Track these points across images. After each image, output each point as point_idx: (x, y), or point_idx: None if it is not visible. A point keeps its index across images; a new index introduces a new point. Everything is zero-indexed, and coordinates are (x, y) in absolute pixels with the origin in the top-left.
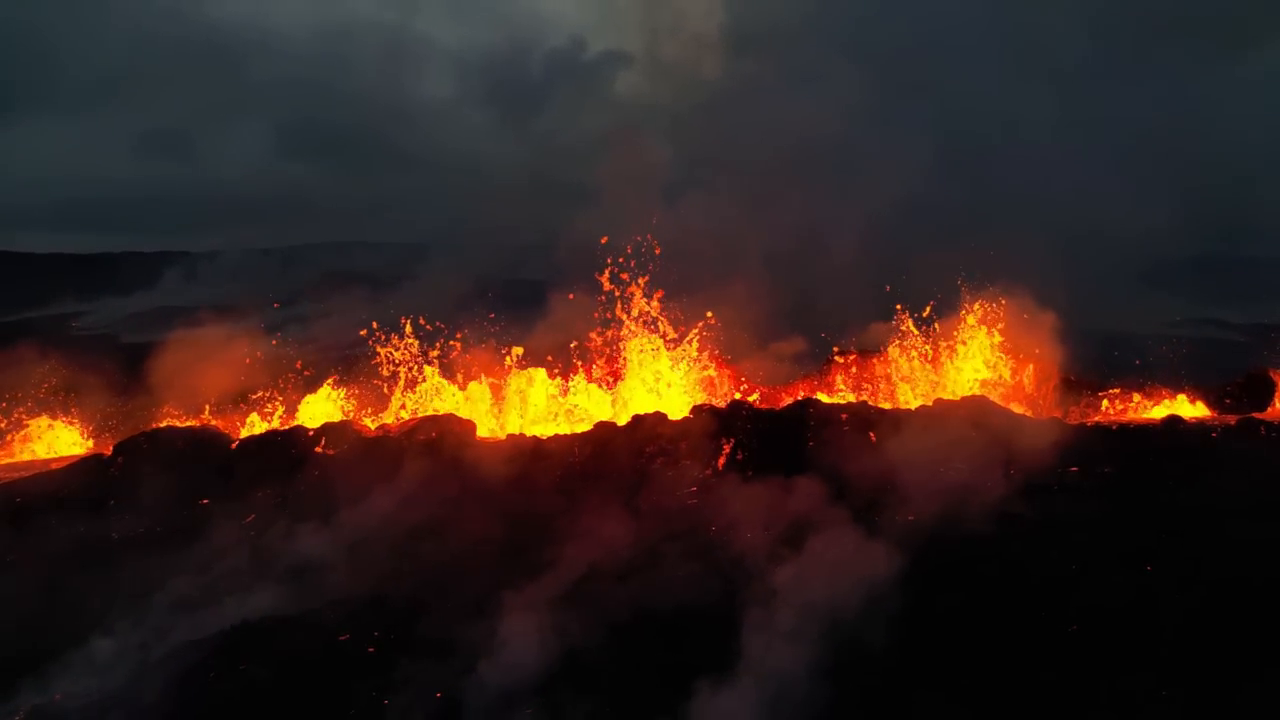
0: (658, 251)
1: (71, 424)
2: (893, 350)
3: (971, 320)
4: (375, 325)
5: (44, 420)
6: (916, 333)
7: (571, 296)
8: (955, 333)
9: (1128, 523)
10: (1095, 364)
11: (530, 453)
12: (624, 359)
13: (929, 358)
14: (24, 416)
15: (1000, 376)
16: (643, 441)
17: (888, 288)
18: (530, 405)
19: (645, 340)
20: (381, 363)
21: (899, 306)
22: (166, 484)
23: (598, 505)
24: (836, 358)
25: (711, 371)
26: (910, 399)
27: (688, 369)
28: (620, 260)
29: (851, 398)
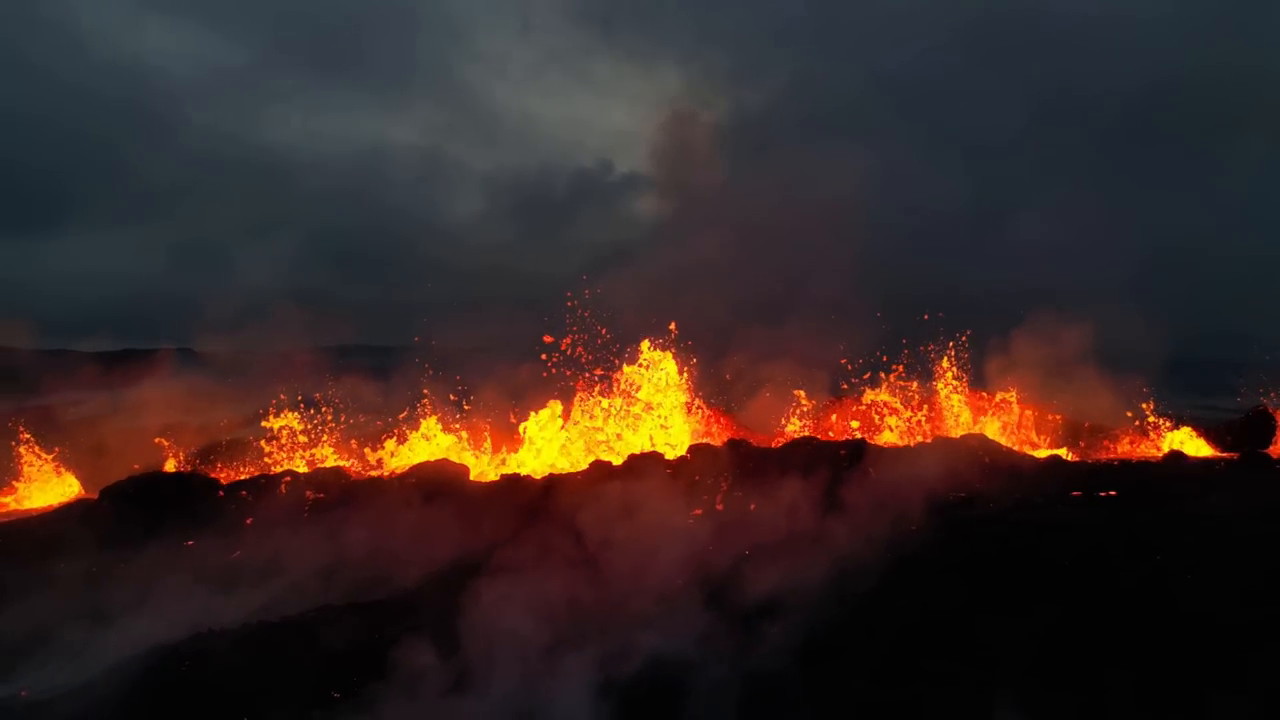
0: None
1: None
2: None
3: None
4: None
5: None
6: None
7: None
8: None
9: (1133, 525)
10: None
11: (522, 490)
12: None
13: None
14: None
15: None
16: (640, 478)
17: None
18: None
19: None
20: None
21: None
22: (151, 524)
23: (587, 538)
24: (836, 400)
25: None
26: (910, 437)
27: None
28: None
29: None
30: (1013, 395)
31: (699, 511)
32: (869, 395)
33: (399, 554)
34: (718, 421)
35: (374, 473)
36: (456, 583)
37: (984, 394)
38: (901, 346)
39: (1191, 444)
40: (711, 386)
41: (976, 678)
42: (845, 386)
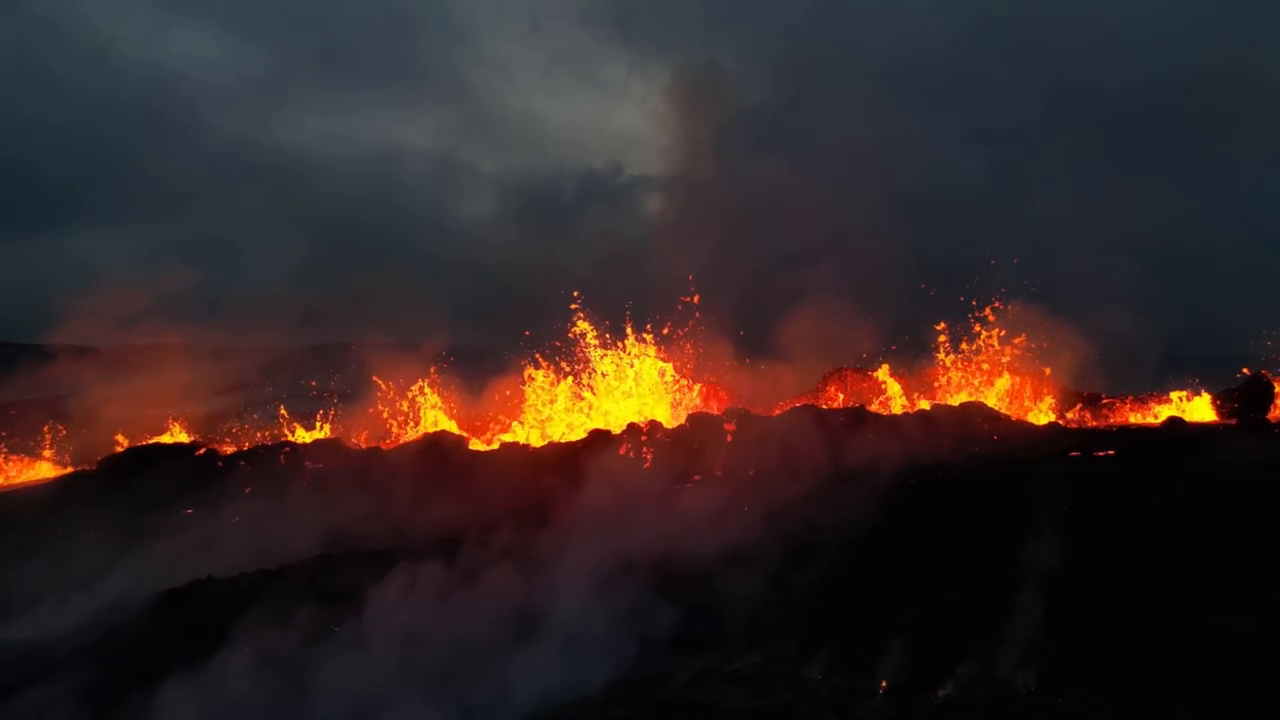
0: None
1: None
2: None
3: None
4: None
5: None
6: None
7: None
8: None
9: (1132, 475)
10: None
11: (523, 457)
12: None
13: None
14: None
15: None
16: (640, 445)
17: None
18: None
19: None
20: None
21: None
22: (151, 491)
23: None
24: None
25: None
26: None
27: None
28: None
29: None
30: (1009, 366)
31: (698, 477)
32: (870, 366)
33: (393, 514)
34: (715, 395)
35: (370, 445)
36: (451, 532)
37: (983, 364)
38: (905, 319)
39: (1190, 410)
40: (719, 359)
41: (975, 603)
42: (849, 361)
